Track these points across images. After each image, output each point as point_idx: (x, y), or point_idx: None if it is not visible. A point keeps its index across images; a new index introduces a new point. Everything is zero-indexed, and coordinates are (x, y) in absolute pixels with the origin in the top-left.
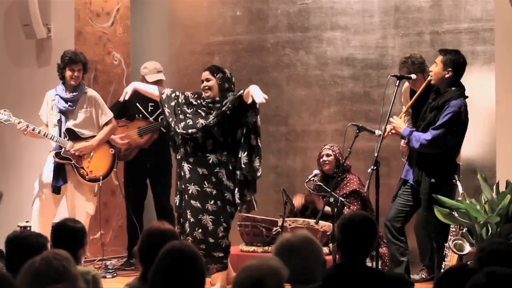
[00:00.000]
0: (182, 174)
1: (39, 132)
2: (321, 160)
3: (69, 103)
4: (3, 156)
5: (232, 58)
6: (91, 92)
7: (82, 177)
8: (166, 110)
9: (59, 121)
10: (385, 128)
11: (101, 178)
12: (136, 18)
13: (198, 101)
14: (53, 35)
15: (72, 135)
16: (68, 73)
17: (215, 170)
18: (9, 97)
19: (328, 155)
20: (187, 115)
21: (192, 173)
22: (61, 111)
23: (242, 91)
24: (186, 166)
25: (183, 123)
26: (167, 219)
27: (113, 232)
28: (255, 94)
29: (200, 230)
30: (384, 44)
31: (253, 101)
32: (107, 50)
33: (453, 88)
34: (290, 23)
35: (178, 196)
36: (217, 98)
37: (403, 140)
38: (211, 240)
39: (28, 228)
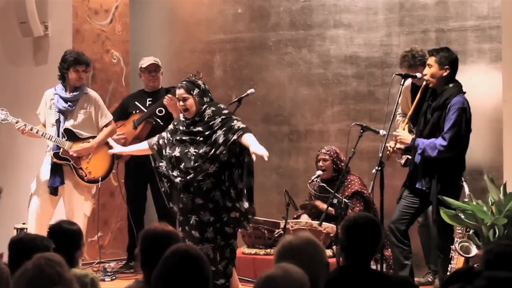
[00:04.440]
0: (181, 205)
1: (37, 132)
2: (318, 164)
3: (69, 103)
4: None
5: (233, 56)
6: (91, 92)
7: (80, 178)
8: (161, 165)
9: (58, 121)
10: (390, 147)
11: (100, 179)
12: (135, 16)
13: (181, 128)
14: (50, 33)
15: (71, 135)
16: (72, 74)
17: (211, 195)
18: (6, 96)
19: (324, 160)
20: (174, 152)
21: (192, 203)
22: (60, 111)
23: (235, 137)
24: (186, 197)
25: (173, 163)
26: (168, 221)
27: (112, 234)
28: (259, 151)
29: None
30: (389, 42)
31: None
32: (106, 48)
33: (450, 85)
34: (293, 20)
35: (180, 229)
36: (196, 119)
37: (393, 144)
38: (213, 269)
39: (25, 230)
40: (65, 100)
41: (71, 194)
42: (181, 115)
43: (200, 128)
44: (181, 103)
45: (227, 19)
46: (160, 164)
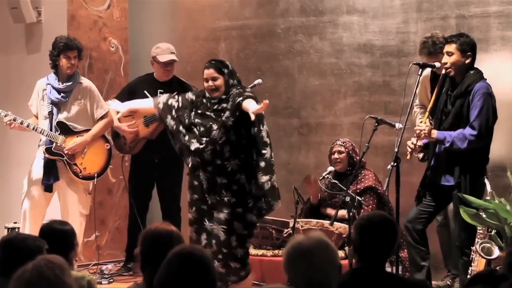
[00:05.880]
0: (196, 183)
1: (27, 126)
2: (332, 157)
3: (62, 94)
4: None
5: (239, 44)
6: (86, 82)
7: (75, 175)
8: (169, 122)
9: (51, 113)
10: (412, 144)
11: (95, 175)
12: (135, 1)
13: (204, 101)
14: (43, 19)
15: (64, 128)
16: (63, 61)
17: (236, 177)
18: None
19: (340, 152)
20: (196, 122)
21: (210, 182)
22: (53, 103)
23: (240, 99)
24: (202, 176)
25: (194, 132)
26: (172, 220)
27: (109, 234)
28: (256, 107)
29: (214, 241)
30: (406, 29)
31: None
32: (103, 35)
33: (471, 72)
34: (303, 6)
35: (194, 208)
36: (223, 97)
37: (414, 140)
38: (225, 251)
39: (17, 230)
40: (58, 91)
41: (66, 191)
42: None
43: (225, 105)
44: (210, 82)
45: (232, 4)
46: (167, 121)
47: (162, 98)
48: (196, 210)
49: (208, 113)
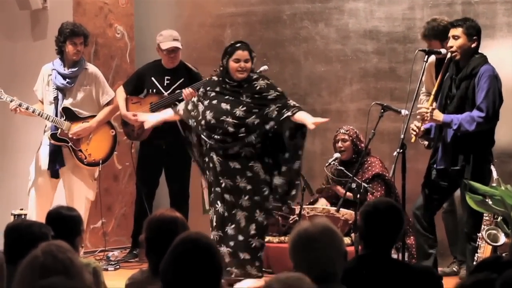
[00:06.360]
0: (211, 165)
1: (33, 111)
2: (336, 145)
3: (67, 80)
4: None
5: (245, 31)
6: (92, 68)
7: (80, 161)
8: (191, 122)
9: (56, 98)
10: (415, 127)
11: (100, 162)
12: None
13: (218, 89)
14: (49, 5)
15: (69, 114)
16: (69, 47)
17: (250, 164)
18: (1, 73)
19: (344, 141)
20: (211, 103)
21: (222, 166)
22: (59, 88)
23: (289, 113)
24: (215, 158)
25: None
26: (180, 206)
27: (115, 221)
28: (318, 120)
29: (233, 226)
30: (412, 16)
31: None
32: (109, 22)
33: (476, 56)
34: None
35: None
36: (244, 84)
37: (417, 124)
38: (241, 238)
39: (23, 216)
40: (64, 76)
41: (71, 177)
42: (214, 77)
43: (247, 95)
44: (242, 64)
45: None
46: (190, 122)
47: (181, 106)
48: (213, 192)
49: (222, 101)
